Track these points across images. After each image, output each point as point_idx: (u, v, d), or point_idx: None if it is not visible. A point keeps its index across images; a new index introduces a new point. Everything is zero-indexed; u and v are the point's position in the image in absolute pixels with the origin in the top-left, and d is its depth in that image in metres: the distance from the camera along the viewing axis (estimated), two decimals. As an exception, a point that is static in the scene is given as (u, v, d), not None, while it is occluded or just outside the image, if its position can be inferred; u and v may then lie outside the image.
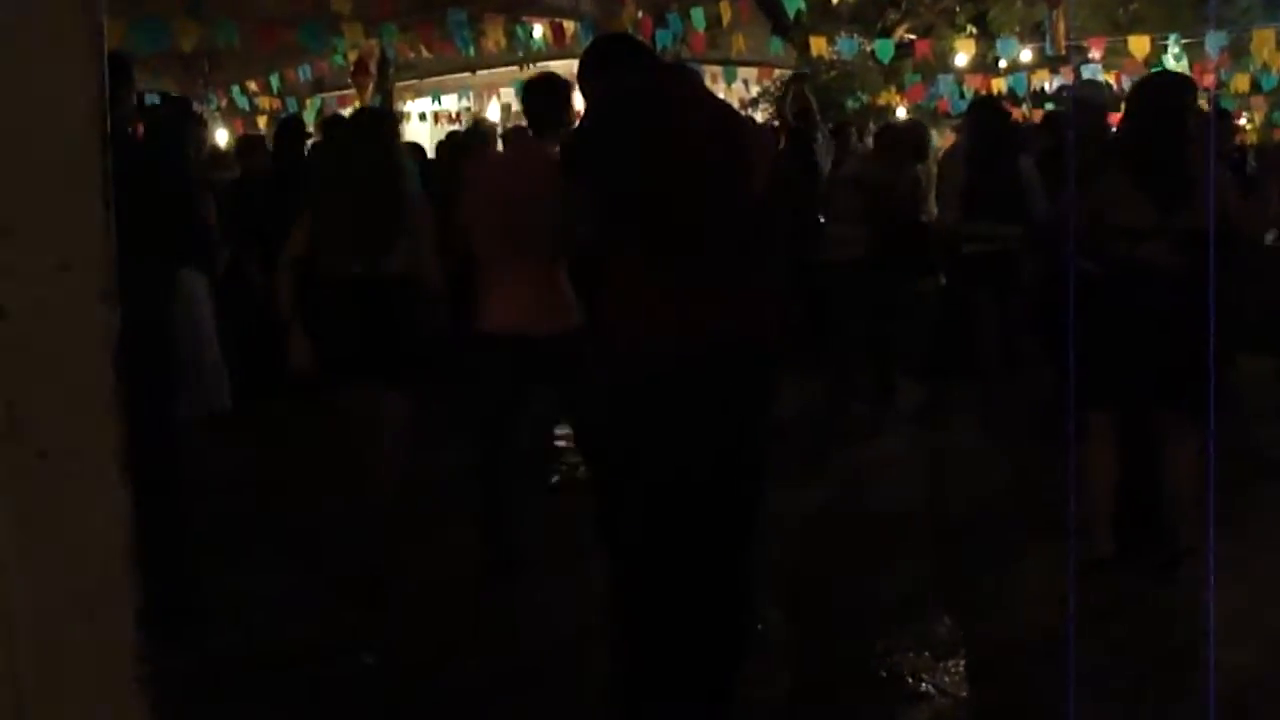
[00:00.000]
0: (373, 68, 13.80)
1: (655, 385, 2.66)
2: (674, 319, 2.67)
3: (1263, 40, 11.39)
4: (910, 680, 3.37)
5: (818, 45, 13.05)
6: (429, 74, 16.42)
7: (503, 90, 15.66)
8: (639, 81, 2.90)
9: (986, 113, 6.07)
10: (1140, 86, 4.26)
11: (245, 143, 8.20)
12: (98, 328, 0.79)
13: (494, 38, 11.05)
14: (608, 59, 3.00)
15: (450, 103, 17.03)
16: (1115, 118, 5.20)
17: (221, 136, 14.22)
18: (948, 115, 13.00)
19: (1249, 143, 10.85)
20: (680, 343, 2.66)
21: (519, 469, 4.27)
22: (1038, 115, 10.11)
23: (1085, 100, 5.91)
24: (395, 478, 4.07)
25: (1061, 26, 13.56)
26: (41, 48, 0.77)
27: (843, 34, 13.95)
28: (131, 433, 2.65)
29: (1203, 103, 5.41)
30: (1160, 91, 4.03)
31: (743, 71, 14.33)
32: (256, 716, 3.22)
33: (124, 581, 0.78)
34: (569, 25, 10.54)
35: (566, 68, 3.39)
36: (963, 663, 3.50)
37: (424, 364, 4.12)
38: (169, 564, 3.53)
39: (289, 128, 7.07)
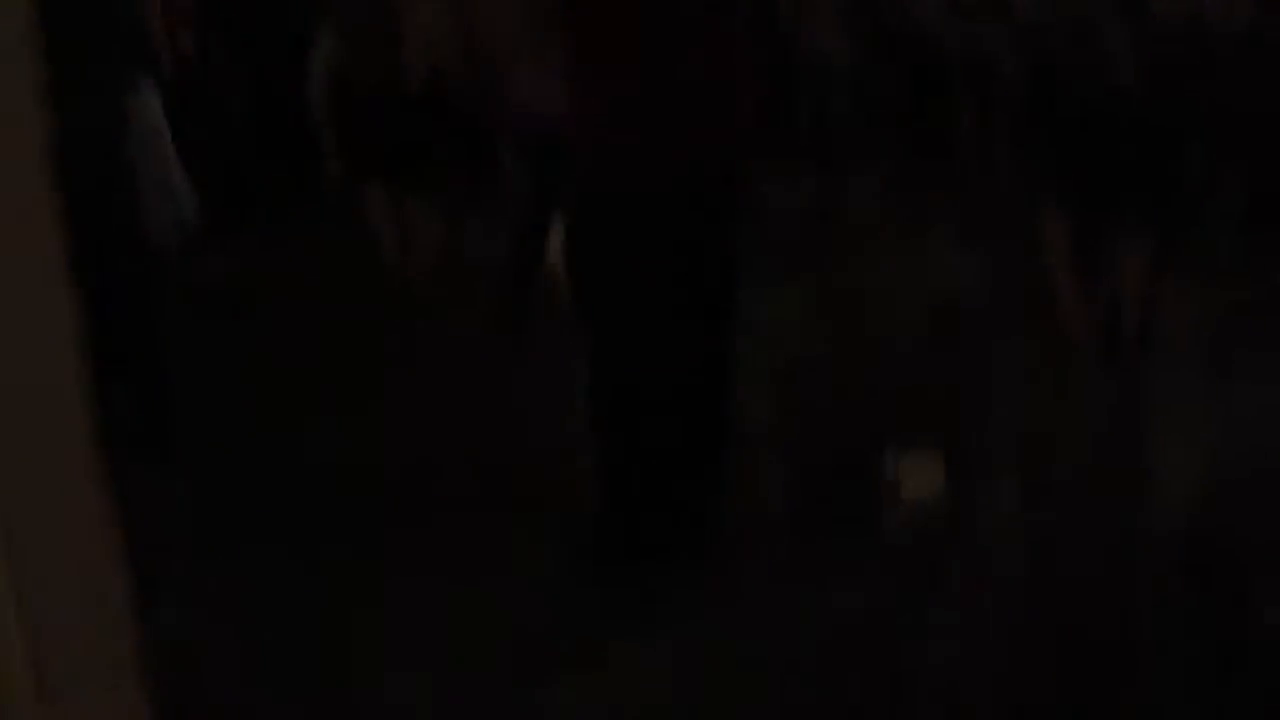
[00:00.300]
0: None
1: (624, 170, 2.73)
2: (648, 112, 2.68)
3: None
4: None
5: None
6: None
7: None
8: None
9: None
10: None
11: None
12: (28, 130, 0.75)
13: None
14: None
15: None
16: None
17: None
18: None
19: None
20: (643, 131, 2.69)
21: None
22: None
23: None
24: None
25: None
26: None
27: None
28: (99, 255, 2.61)
29: None
30: None
31: None
32: (245, 521, 3.32)
33: (75, 372, 0.76)
34: None
35: None
36: (941, 457, 3.60)
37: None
38: (151, 381, 3.60)
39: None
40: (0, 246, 0.75)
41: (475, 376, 4.30)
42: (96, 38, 3.28)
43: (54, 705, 0.72)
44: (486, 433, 3.84)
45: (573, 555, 3.08)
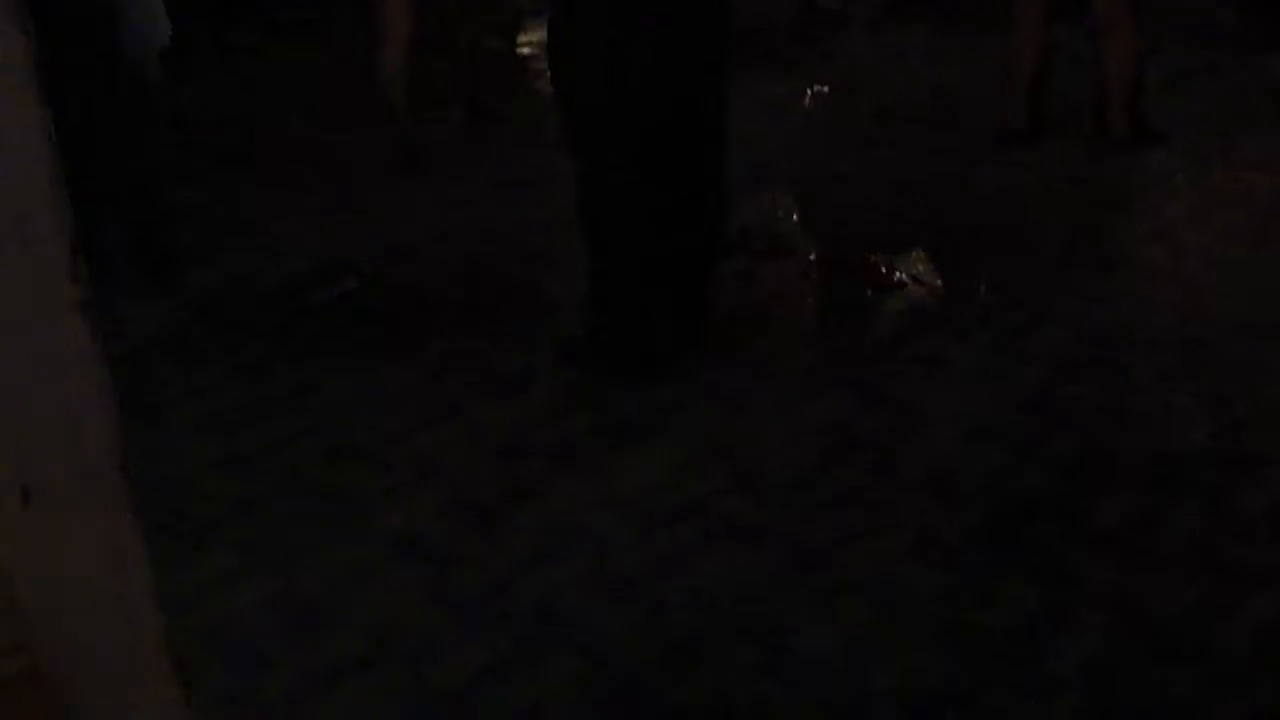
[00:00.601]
0: None
1: None
2: None
3: None
4: (884, 271, 3.61)
5: None
6: None
7: None
8: None
9: None
10: None
11: None
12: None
13: None
14: None
15: None
16: None
17: None
18: None
19: None
20: None
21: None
22: None
23: None
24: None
25: None
26: None
27: None
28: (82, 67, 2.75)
29: None
30: None
31: None
32: (241, 346, 3.34)
33: (53, 196, 0.74)
34: None
35: None
36: (932, 251, 3.72)
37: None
38: (144, 198, 3.61)
39: None
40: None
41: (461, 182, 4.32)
42: None
43: (35, 511, 0.73)
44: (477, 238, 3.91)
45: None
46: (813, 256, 3.79)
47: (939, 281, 3.54)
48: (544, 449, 2.81)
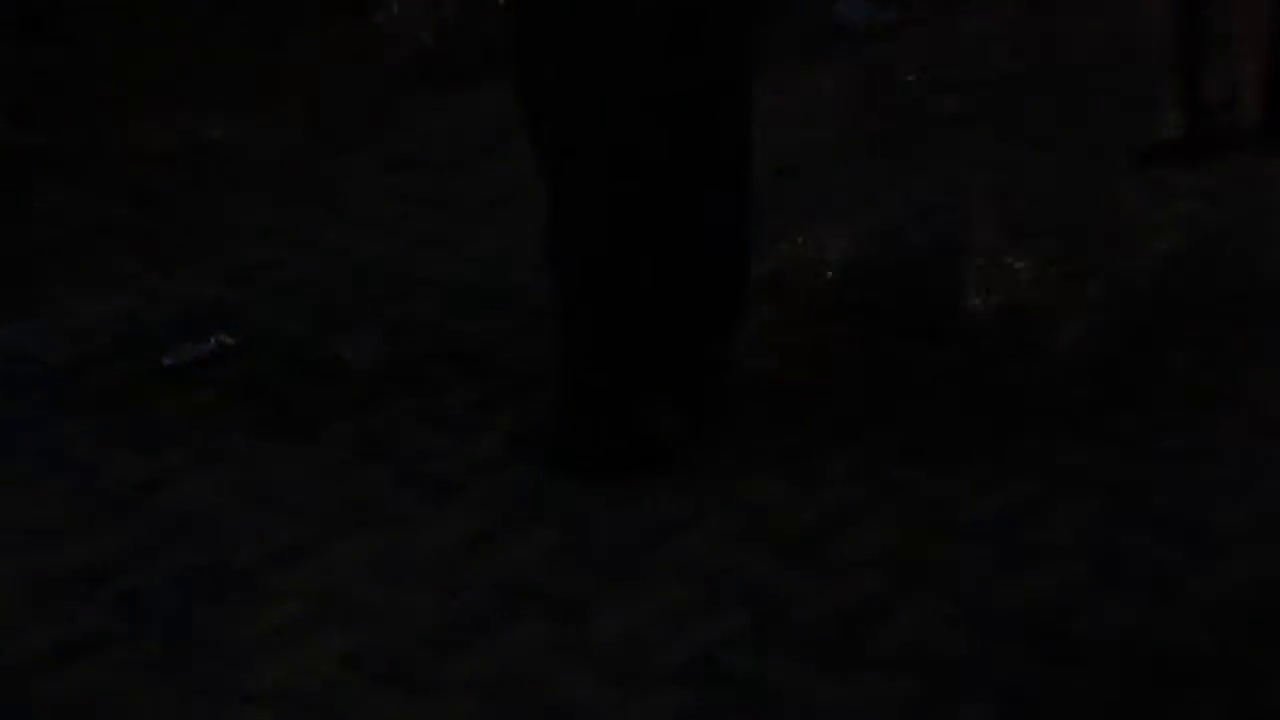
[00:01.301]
0: None
1: None
2: None
3: None
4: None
5: None
6: None
7: None
8: None
9: None
10: None
11: None
12: None
13: None
14: None
15: None
16: None
17: None
18: None
19: None
20: None
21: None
22: None
23: None
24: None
25: None
26: None
27: None
28: None
29: None
30: None
31: None
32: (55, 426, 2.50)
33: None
34: None
35: None
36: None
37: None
38: None
39: None
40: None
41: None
42: None
43: None
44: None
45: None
46: (866, 315, 2.89)
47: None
48: (493, 581, 2.01)
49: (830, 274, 3.02)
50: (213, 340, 2.77)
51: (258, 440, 2.43)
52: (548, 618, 1.93)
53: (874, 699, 1.75)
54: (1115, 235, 3.17)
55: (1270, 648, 1.82)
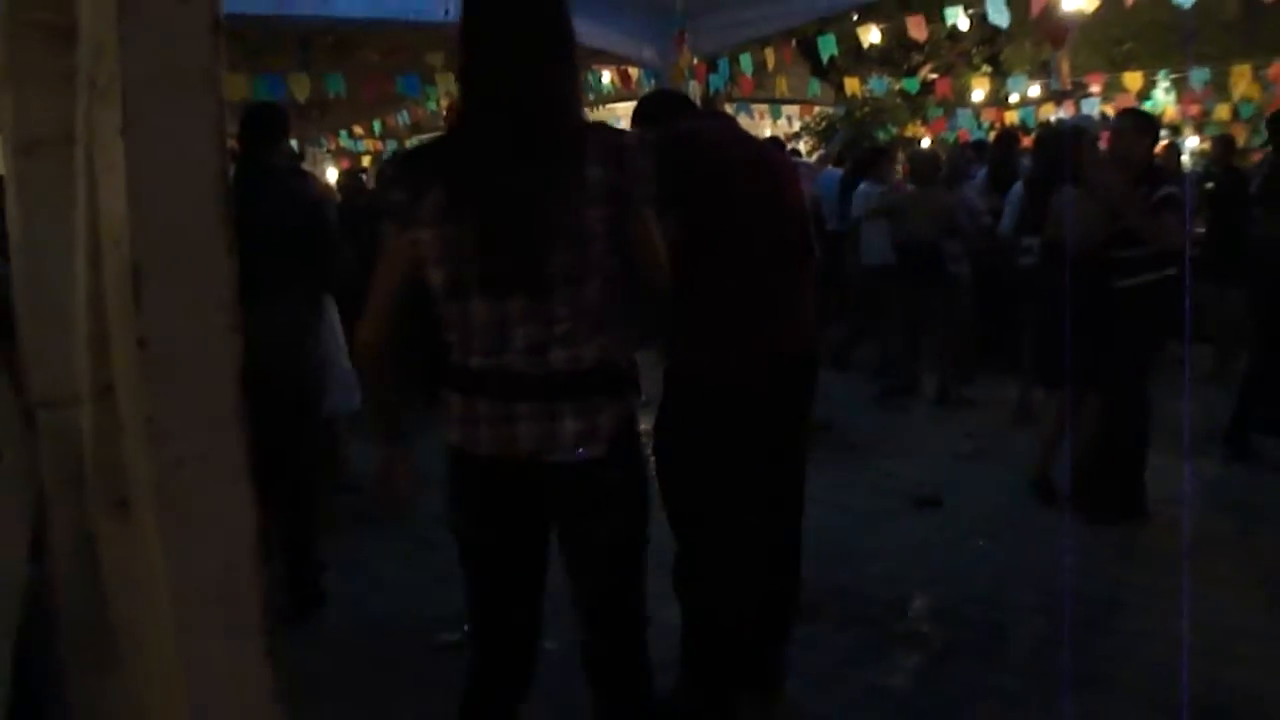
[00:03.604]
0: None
1: (739, 391, 2.87)
2: (758, 335, 2.88)
3: (1240, 75, 12.49)
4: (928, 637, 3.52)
5: (852, 85, 14.33)
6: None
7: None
8: (706, 123, 3.10)
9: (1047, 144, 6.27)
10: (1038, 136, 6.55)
11: (346, 176, 9.70)
12: (224, 353, 0.92)
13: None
14: (662, 107, 3.16)
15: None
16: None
17: (331, 174, 16.99)
18: (966, 144, 13.61)
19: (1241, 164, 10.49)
20: (762, 357, 2.89)
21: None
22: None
23: (1077, 130, 6.16)
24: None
25: (1065, 66, 15.36)
26: (177, 116, 0.90)
27: (874, 74, 16.32)
28: (291, 431, 3.60)
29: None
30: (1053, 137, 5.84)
31: (786, 109, 18.36)
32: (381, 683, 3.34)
33: (251, 568, 0.90)
34: (633, 71, 11.00)
35: (629, 109, 3.55)
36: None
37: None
38: (305, 549, 3.93)
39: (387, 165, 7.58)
40: (196, 443, 0.90)
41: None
42: (316, 264, 3.99)
43: None
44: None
45: None
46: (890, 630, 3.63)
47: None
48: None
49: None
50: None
51: None
52: None
53: None
54: None
55: None
